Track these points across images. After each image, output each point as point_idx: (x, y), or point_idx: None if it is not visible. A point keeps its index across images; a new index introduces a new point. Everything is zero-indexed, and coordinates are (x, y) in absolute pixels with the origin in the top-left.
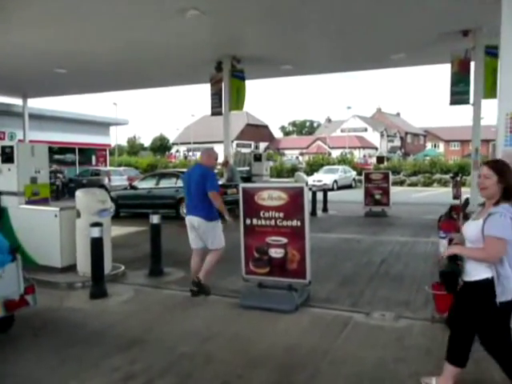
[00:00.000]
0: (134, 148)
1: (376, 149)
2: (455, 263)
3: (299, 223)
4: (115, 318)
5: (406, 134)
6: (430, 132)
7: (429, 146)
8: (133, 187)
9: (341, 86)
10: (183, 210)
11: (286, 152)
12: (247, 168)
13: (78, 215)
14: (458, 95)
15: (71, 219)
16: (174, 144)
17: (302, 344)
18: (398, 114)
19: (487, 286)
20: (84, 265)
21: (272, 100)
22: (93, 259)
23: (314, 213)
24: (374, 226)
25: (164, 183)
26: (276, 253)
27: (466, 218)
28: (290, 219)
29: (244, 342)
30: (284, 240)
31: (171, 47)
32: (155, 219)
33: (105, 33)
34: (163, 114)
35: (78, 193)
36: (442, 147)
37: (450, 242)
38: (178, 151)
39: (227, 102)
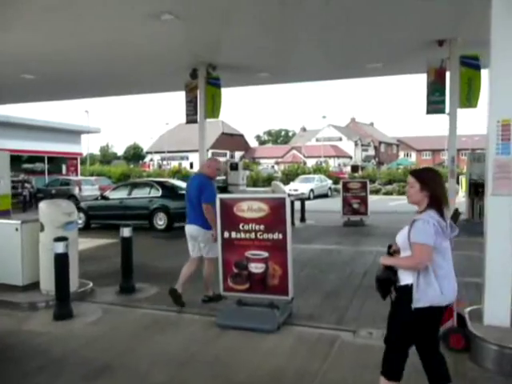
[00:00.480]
0: (106, 157)
1: (350, 158)
2: (392, 269)
3: (281, 236)
4: (81, 343)
5: (380, 143)
6: (402, 141)
7: (402, 155)
8: (104, 197)
9: (315, 96)
10: (157, 221)
11: (262, 161)
12: (223, 177)
13: (42, 229)
14: (434, 104)
15: (34, 233)
16: (147, 153)
17: (287, 368)
18: (372, 124)
19: (407, 291)
20: (48, 282)
21: (247, 109)
22: (57, 277)
23: (292, 223)
24: (353, 236)
25: (137, 193)
26: (256, 268)
27: (455, 222)
28: (271, 232)
29: (224, 367)
30: (265, 254)
31: (145, 53)
32: (126, 232)
33: (76, 37)
34: (137, 122)
35: (42, 204)
36: (414, 156)
37: (390, 248)
38: (152, 160)
39: (203, 110)
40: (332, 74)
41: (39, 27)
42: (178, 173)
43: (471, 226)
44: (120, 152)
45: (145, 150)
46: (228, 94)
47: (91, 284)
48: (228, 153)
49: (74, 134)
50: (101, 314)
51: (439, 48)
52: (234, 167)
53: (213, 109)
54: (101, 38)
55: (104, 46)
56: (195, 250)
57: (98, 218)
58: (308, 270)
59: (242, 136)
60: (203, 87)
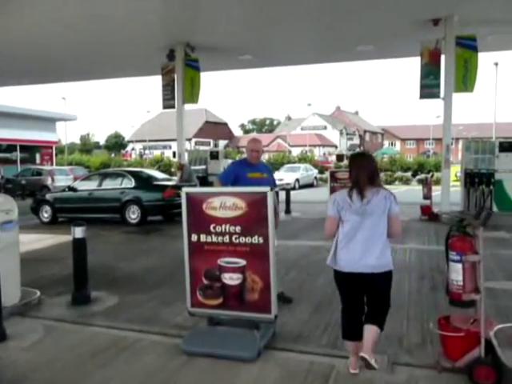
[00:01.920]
0: (86, 146)
1: (335, 147)
2: None
3: (261, 240)
4: (8, 377)
5: (365, 132)
6: (387, 130)
7: (386, 144)
8: (72, 189)
9: (300, 84)
10: (129, 214)
11: None
12: (203, 167)
13: None
14: (428, 88)
15: None
16: (129, 142)
17: None
18: (357, 113)
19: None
20: None
21: (231, 97)
22: None
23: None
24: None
25: (108, 184)
26: (231, 279)
27: (483, 224)
28: (250, 235)
29: None
30: (241, 262)
31: (119, 32)
32: (78, 232)
33: (47, 15)
34: (118, 110)
35: None
36: (398, 145)
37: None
38: (133, 149)
39: (180, 94)
40: (319, 57)
41: (5, 5)
42: (159, 162)
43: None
44: (102, 141)
45: (126, 138)
46: (211, 82)
47: (38, 293)
48: (212, 142)
49: (48, 121)
50: (42, 334)
51: (434, 28)
52: (215, 156)
53: (192, 93)
54: (72, 16)
55: (75, 24)
56: None
57: (66, 212)
58: (294, 273)
59: (226, 124)
60: (181, 69)
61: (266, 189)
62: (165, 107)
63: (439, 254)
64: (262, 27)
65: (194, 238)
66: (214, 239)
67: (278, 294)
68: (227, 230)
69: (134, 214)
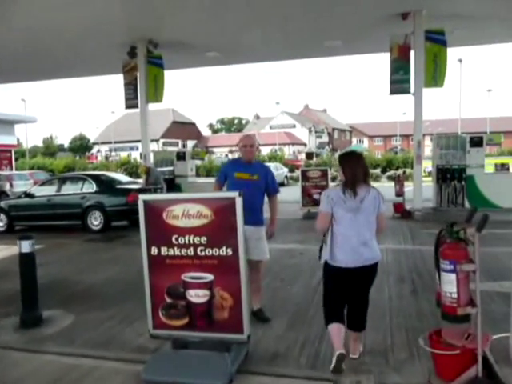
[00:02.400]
0: (50, 149)
1: (305, 145)
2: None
3: (230, 252)
4: None
5: (333, 129)
6: (355, 128)
7: (354, 141)
8: (29, 195)
9: (268, 82)
10: (91, 220)
11: (215, 150)
12: (170, 168)
13: None
14: (398, 84)
15: None
16: (94, 144)
17: None
18: (325, 111)
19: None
20: None
21: (199, 97)
22: None
23: None
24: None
25: (68, 189)
26: (197, 296)
27: (479, 230)
28: (217, 246)
29: None
30: (208, 277)
31: (77, 27)
32: (25, 247)
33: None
34: (82, 111)
35: None
36: (366, 142)
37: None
38: (99, 151)
39: (144, 93)
40: (287, 54)
41: None
42: (126, 164)
43: (441, 215)
44: (66, 143)
45: (91, 140)
46: (178, 80)
47: None
48: (180, 142)
49: (5, 123)
50: None
51: (403, 22)
52: (182, 157)
53: (155, 91)
54: (27, 11)
55: (30, 20)
56: None
57: (23, 220)
58: (267, 279)
59: (194, 124)
60: (143, 67)
61: (234, 194)
62: (127, 107)
63: (416, 253)
64: (229, 23)
65: (154, 251)
66: (177, 252)
67: (256, 310)
68: (191, 241)
69: (96, 221)
